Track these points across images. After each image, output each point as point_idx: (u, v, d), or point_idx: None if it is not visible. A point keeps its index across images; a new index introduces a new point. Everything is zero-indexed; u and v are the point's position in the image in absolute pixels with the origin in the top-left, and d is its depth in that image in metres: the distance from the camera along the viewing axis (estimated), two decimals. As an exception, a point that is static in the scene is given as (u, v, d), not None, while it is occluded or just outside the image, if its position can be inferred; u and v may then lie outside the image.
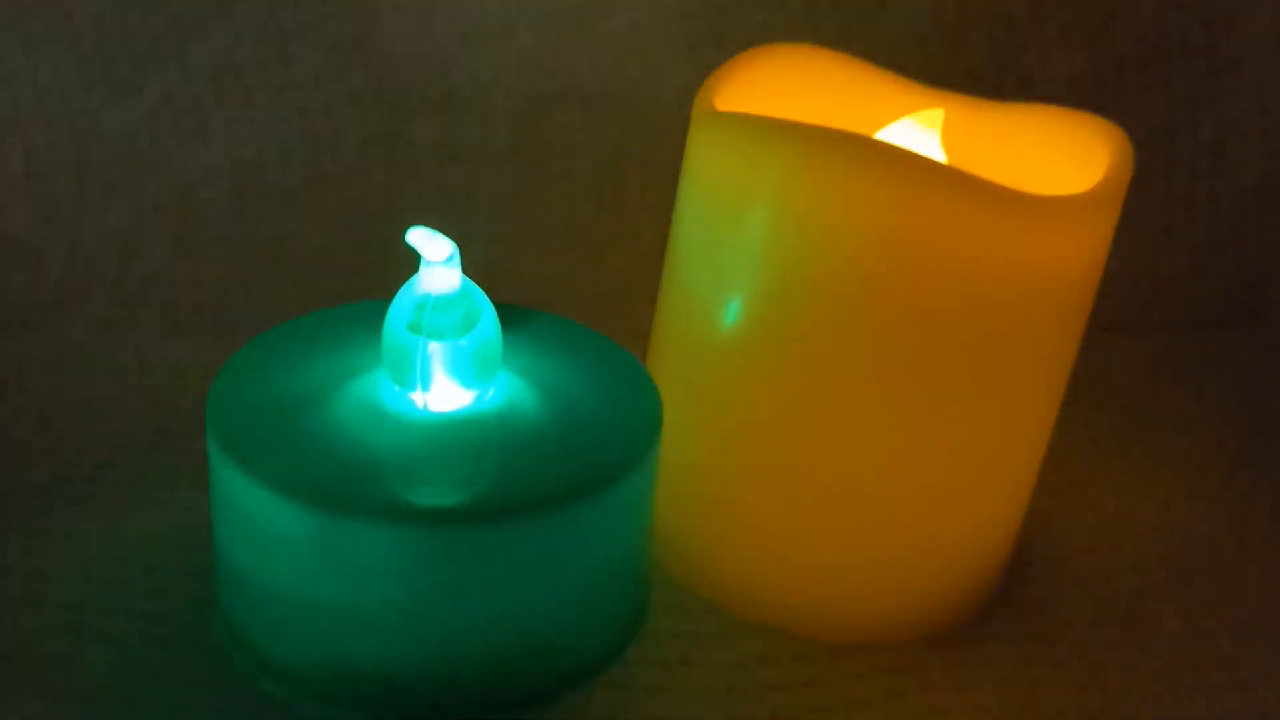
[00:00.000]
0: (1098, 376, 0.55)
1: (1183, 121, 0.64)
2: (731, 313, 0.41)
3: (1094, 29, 0.63)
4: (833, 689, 0.41)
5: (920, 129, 0.43)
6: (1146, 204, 0.63)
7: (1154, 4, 0.63)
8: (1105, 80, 0.64)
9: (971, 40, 0.63)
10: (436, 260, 0.38)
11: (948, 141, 0.43)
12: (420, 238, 0.37)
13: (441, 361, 0.39)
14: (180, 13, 0.61)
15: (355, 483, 0.37)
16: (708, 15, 0.63)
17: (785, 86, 0.44)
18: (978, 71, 0.63)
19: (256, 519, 0.38)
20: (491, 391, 0.40)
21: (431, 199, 0.62)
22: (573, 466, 0.38)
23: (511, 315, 0.42)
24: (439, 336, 0.39)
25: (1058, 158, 0.42)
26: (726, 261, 0.41)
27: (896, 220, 0.38)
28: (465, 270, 0.39)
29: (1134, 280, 0.63)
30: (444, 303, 0.38)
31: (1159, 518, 0.51)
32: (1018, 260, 0.39)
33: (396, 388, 0.40)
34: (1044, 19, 0.63)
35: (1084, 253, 0.40)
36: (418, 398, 0.39)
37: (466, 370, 0.39)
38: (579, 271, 0.62)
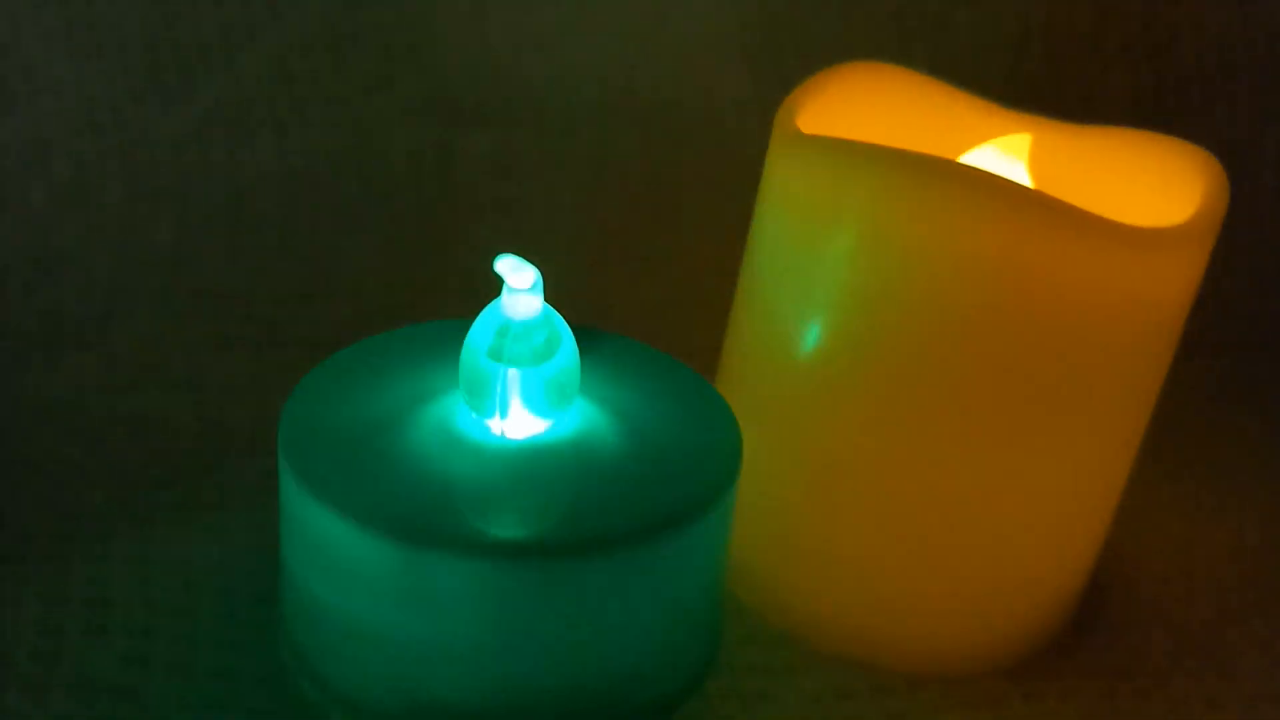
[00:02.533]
0: (1162, 399, 0.54)
1: (1246, 138, 0.63)
2: (812, 339, 0.40)
3: (1157, 44, 0.62)
4: (915, 724, 0.41)
5: (1006, 153, 0.42)
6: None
7: (1218, 19, 0.62)
8: (1168, 96, 0.63)
9: (1033, 55, 0.62)
10: (521, 288, 0.37)
11: (1034, 166, 0.42)
12: (507, 265, 0.36)
13: (520, 389, 0.38)
14: (230, 21, 0.60)
15: (435, 513, 0.36)
16: (765, 27, 0.62)
17: (865, 106, 0.44)
18: (1039, 87, 0.62)
19: (331, 549, 0.37)
20: (567, 418, 0.39)
21: (484, 210, 0.61)
22: (654, 500, 0.37)
23: (586, 337, 0.41)
24: (519, 363, 0.38)
25: (1147, 185, 0.41)
26: (808, 287, 0.40)
27: (989, 248, 0.37)
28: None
29: (1198, 299, 0.61)
30: (525, 329, 0.38)
31: (1233, 543, 0.50)
32: (1111, 291, 0.38)
33: (472, 413, 0.39)
34: (1106, 34, 0.62)
35: (1177, 285, 0.39)
36: (495, 424, 0.38)
37: (545, 398, 0.38)
38: (633, 285, 0.61)
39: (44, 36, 0.59)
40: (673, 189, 0.61)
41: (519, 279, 0.37)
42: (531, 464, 0.38)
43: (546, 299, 0.38)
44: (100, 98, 0.60)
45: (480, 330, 0.38)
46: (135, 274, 0.58)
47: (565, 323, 0.39)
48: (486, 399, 0.38)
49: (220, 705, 0.39)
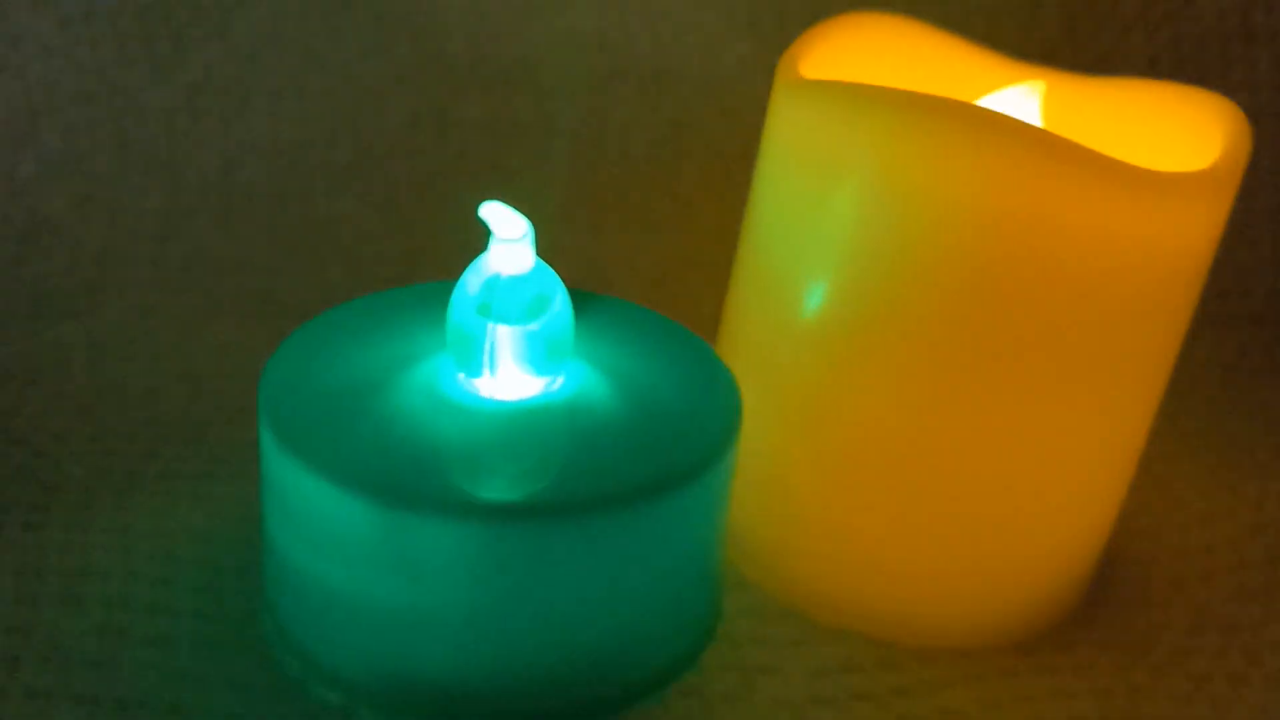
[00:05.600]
0: (1179, 370, 0.53)
1: (1266, 102, 0.62)
2: (816, 298, 0.39)
3: (1175, 5, 0.61)
4: (923, 698, 0.39)
5: (1019, 102, 0.40)
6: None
7: (1238, -21, 0.61)
8: (1186, 59, 0.61)
9: (1046, 16, 0.61)
10: (510, 238, 0.35)
11: (1048, 116, 0.40)
12: (494, 213, 0.35)
13: (510, 347, 0.36)
14: (222, -14, 0.59)
15: (420, 476, 0.35)
16: (769, -10, 0.60)
17: (869, 57, 0.42)
18: (1053, 49, 0.61)
19: (313, 514, 0.35)
20: (561, 379, 0.38)
21: (482, 178, 0.60)
22: (649, 461, 0.36)
23: (581, 299, 0.39)
24: (508, 320, 0.36)
25: (1167, 134, 0.40)
26: (813, 242, 0.38)
27: (1003, 195, 0.35)
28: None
29: (1215, 269, 0.60)
30: (514, 284, 0.36)
31: (1252, 517, 0.49)
32: (1132, 240, 0.36)
33: (461, 374, 0.37)
34: (1122, -5, 0.61)
35: (1199, 234, 0.37)
36: (484, 385, 0.37)
37: (536, 356, 0.37)
38: (634, 253, 0.59)
39: (33, 4, 0.58)
40: (673, 155, 0.60)
41: (507, 228, 0.35)
42: (522, 425, 0.37)
43: (537, 256, 0.36)
44: (90, 66, 0.58)
45: (467, 285, 0.36)
46: (125, 243, 0.57)
47: (558, 277, 0.37)
48: (475, 358, 0.37)
49: (200, 678, 0.38)
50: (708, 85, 0.60)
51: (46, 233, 0.57)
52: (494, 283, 0.36)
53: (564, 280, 0.37)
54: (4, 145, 0.58)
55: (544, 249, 0.37)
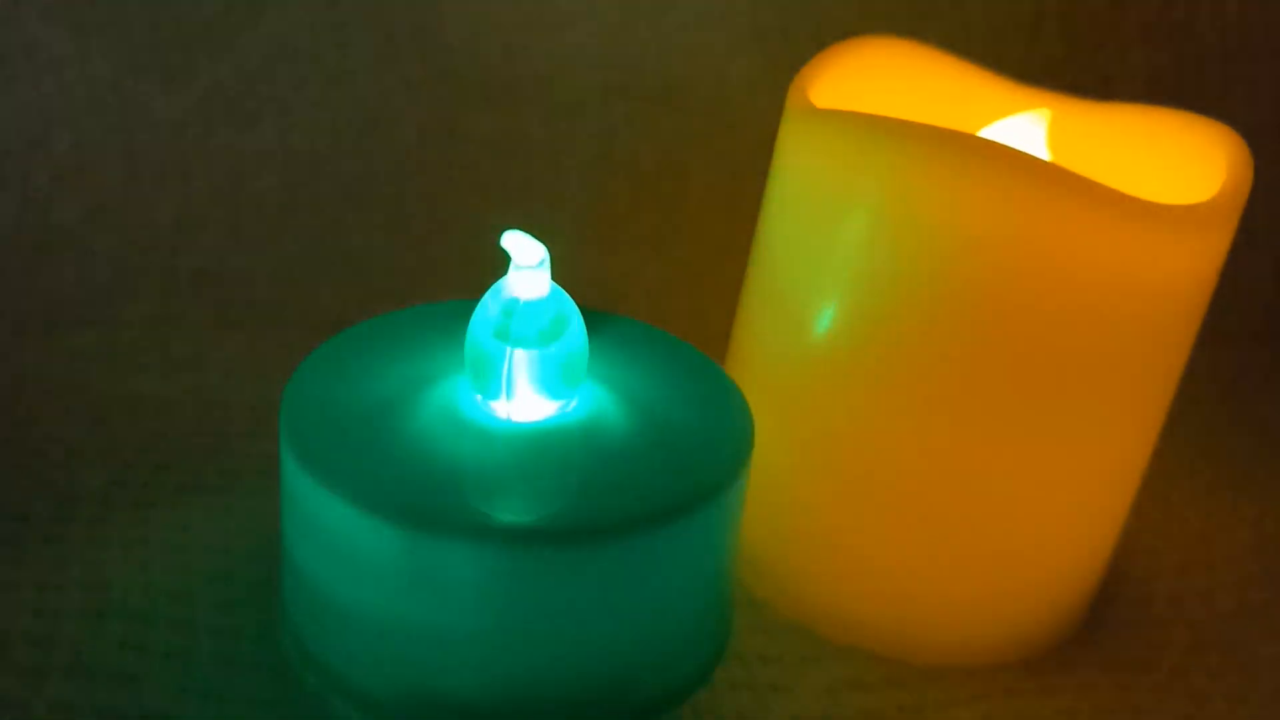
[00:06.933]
0: (1180, 388, 0.53)
1: (1267, 120, 0.62)
2: (825, 320, 0.39)
3: (1176, 24, 0.61)
4: (930, 716, 0.40)
5: (1024, 129, 0.41)
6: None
7: (1239, -1, 0.61)
8: (1187, 77, 0.62)
9: (1048, 35, 0.61)
10: (527, 265, 0.36)
11: (1053, 143, 0.41)
12: (513, 241, 0.35)
13: (527, 370, 0.37)
14: (233, -1, 0.59)
15: (441, 498, 0.35)
16: (774, 6, 0.61)
17: (879, 81, 0.43)
18: (1055, 68, 0.61)
19: (333, 533, 0.36)
20: (574, 401, 0.38)
21: (488, 192, 0.60)
22: (663, 484, 0.36)
23: (592, 319, 0.40)
24: (526, 344, 0.37)
25: (1169, 163, 0.40)
26: (822, 267, 0.39)
27: (1008, 225, 0.36)
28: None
29: (1216, 288, 0.61)
30: (532, 309, 0.37)
31: (1251, 536, 0.49)
32: (1134, 270, 0.37)
33: (478, 396, 0.38)
34: (1124, 13, 0.61)
35: (1200, 264, 0.38)
36: (501, 407, 0.38)
37: (552, 380, 0.37)
38: (640, 269, 0.60)
39: (45, 14, 0.58)
40: (681, 171, 0.60)
41: (526, 255, 0.36)
42: (539, 448, 0.37)
43: (553, 282, 0.37)
44: (102, 76, 0.59)
45: (486, 310, 0.37)
46: (136, 254, 0.57)
47: (573, 302, 0.38)
48: (492, 381, 0.37)
49: (219, 692, 0.38)
50: (715, 101, 0.60)
51: (58, 243, 0.57)
52: (511, 307, 0.37)
53: (573, 296, 0.38)
54: (16, 155, 0.58)
55: (552, 263, 0.37)
